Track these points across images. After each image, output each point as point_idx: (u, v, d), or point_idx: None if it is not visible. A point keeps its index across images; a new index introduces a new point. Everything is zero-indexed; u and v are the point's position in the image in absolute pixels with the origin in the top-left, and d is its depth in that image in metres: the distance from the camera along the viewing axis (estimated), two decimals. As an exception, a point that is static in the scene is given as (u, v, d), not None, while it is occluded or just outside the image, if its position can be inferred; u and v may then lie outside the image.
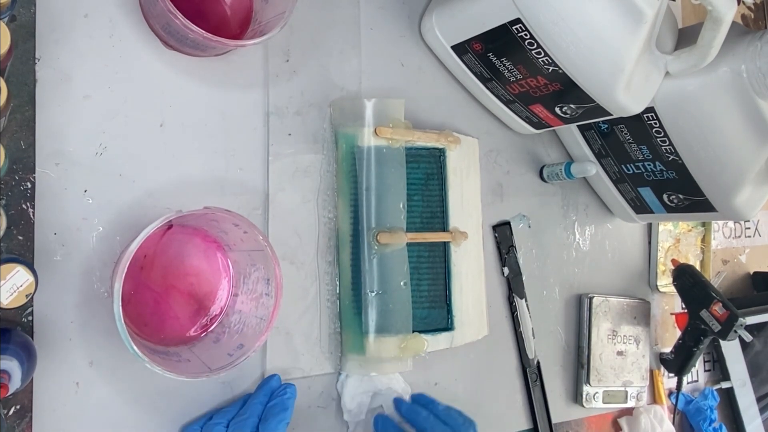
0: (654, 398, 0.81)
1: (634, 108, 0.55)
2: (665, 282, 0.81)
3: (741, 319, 0.71)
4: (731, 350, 0.86)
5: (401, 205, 0.58)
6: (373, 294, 0.56)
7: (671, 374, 0.80)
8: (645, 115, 0.60)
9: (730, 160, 0.60)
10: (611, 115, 0.57)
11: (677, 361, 0.78)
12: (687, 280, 0.75)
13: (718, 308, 0.72)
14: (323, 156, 0.59)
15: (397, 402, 0.57)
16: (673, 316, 0.81)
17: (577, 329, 0.75)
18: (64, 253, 0.47)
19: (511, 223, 0.70)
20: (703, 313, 0.73)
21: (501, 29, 0.54)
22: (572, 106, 0.59)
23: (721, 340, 0.77)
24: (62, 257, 0.47)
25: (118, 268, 0.42)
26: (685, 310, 0.77)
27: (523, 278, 0.70)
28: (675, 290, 0.78)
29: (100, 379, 0.48)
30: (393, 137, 0.58)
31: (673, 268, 0.78)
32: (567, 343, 0.74)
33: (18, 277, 0.39)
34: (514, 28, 0.53)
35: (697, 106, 0.57)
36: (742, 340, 0.73)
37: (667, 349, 0.80)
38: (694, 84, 0.56)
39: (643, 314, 0.79)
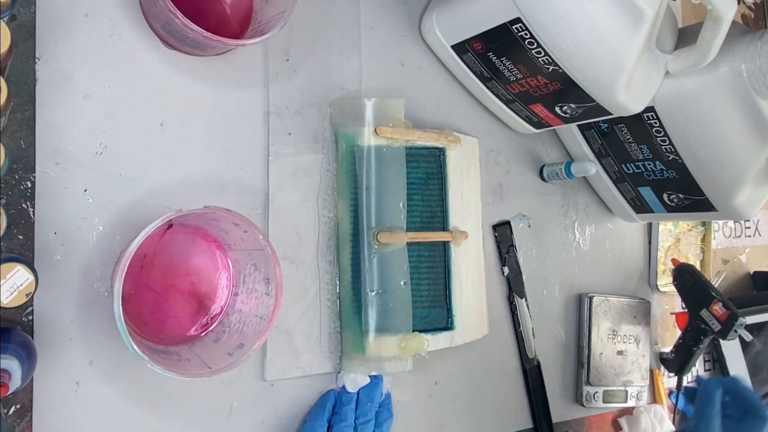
0: (654, 398, 0.81)
1: (634, 107, 0.55)
2: (665, 281, 0.81)
3: (741, 319, 0.71)
4: (731, 350, 0.86)
5: (401, 205, 0.58)
6: (373, 293, 0.56)
7: (671, 374, 0.80)
8: (645, 115, 0.60)
9: (730, 160, 0.60)
10: (611, 114, 0.57)
11: (677, 361, 0.77)
12: (687, 279, 0.75)
13: (718, 308, 0.72)
14: (323, 155, 0.59)
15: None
16: (673, 316, 0.81)
17: (577, 329, 0.75)
18: (64, 253, 0.47)
19: (511, 223, 0.70)
20: (703, 313, 0.73)
21: (501, 29, 0.54)
22: (572, 105, 0.59)
23: (721, 340, 0.76)
24: (62, 256, 0.47)
25: (118, 268, 0.42)
26: (685, 310, 0.77)
27: (523, 278, 0.70)
28: (675, 290, 0.78)
29: (100, 379, 0.48)
30: (393, 137, 0.58)
31: (673, 267, 0.77)
32: (567, 342, 0.74)
33: (18, 277, 0.39)
34: (514, 27, 0.53)
35: (697, 105, 0.57)
36: (742, 340, 0.73)
37: (668, 349, 0.80)
38: (694, 83, 0.56)
39: (643, 314, 0.79)
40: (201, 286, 0.52)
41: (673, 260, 0.78)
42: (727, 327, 0.72)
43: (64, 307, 0.47)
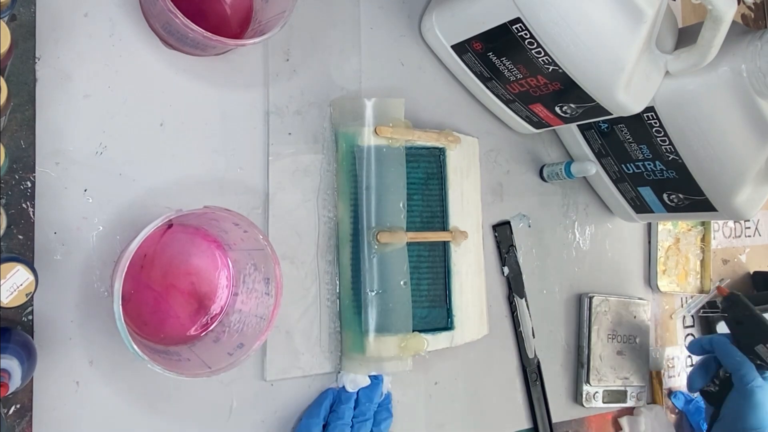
0: (653, 398, 0.81)
1: (634, 107, 0.55)
2: (665, 282, 0.81)
3: None
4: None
5: (401, 205, 0.58)
6: (373, 293, 0.56)
7: (712, 405, 0.69)
8: (645, 115, 0.60)
9: (730, 160, 0.60)
10: (611, 114, 0.57)
11: (721, 395, 0.68)
12: (740, 312, 0.68)
13: None
14: (323, 155, 0.59)
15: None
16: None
17: (577, 329, 0.75)
18: (64, 253, 0.47)
19: (511, 223, 0.70)
20: (759, 348, 0.66)
21: (501, 29, 0.54)
22: (572, 105, 0.59)
23: None
24: (62, 256, 0.47)
25: (118, 268, 0.42)
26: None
27: (523, 278, 0.70)
28: (670, 290, 0.75)
29: (100, 379, 0.48)
30: (393, 136, 0.58)
31: (721, 297, 0.70)
32: (567, 342, 0.74)
33: (18, 276, 0.39)
34: (514, 27, 0.53)
35: (697, 105, 0.57)
36: None
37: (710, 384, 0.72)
38: (694, 83, 0.56)
39: (643, 314, 0.79)
40: (201, 286, 0.52)
41: (720, 288, 0.72)
42: None
43: (64, 307, 0.47)
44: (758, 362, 0.67)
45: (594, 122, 0.65)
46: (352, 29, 0.61)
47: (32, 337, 0.45)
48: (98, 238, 0.48)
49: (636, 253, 0.81)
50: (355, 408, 0.56)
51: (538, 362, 0.70)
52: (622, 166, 0.69)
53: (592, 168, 0.67)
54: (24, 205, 0.46)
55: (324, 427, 0.54)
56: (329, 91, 0.59)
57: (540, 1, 0.50)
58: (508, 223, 0.70)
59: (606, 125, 0.66)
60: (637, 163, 0.67)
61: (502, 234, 0.69)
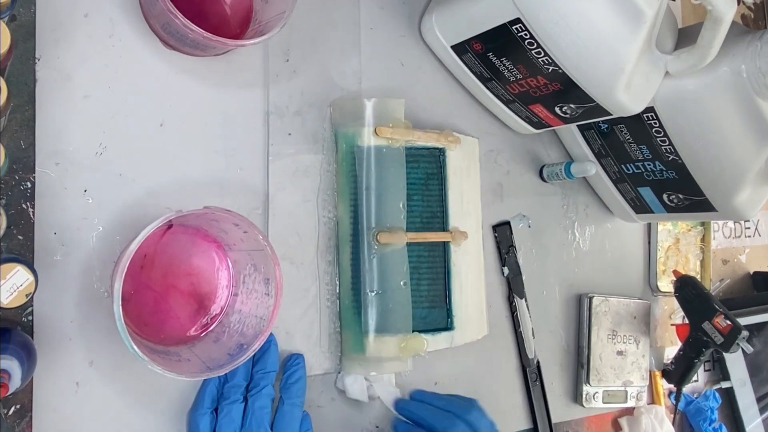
0: (653, 398, 0.81)
1: (634, 108, 0.55)
2: (665, 282, 0.81)
3: (744, 332, 0.70)
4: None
5: (401, 205, 0.58)
6: (373, 294, 0.56)
7: (671, 384, 0.80)
8: (645, 115, 0.60)
9: (730, 160, 0.60)
10: (611, 114, 0.57)
11: (677, 372, 0.77)
12: (689, 291, 0.74)
13: (720, 320, 0.71)
14: (323, 156, 0.59)
15: (399, 403, 0.58)
16: (674, 326, 0.80)
17: (577, 329, 0.75)
18: (64, 253, 0.47)
19: (511, 223, 0.70)
20: (706, 325, 0.72)
21: (501, 29, 0.54)
22: (572, 105, 0.59)
23: (723, 352, 0.76)
24: (62, 257, 0.47)
25: (118, 268, 0.42)
26: (685, 321, 0.77)
27: (523, 278, 0.70)
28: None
29: (100, 379, 0.48)
30: (393, 137, 0.58)
31: (674, 279, 0.76)
32: (567, 343, 0.74)
33: (18, 277, 0.39)
34: (514, 27, 0.53)
35: (697, 106, 0.57)
36: (743, 351, 0.72)
37: (668, 360, 0.79)
38: (694, 84, 0.56)
39: (643, 314, 0.79)
40: (201, 287, 0.52)
41: (675, 272, 0.77)
42: (729, 340, 0.71)
43: (64, 307, 0.47)
44: (704, 338, 0.73)
45: (594, 122, 0.65)
46: (352, 29, 0.61)
47: (32, 338, 0.45)
48: (98, 239, 0.48)
49: (636, 254, 0.81)
50: (250, 383, 0.51)
51: (538, 362, 0.70)
52: (622, 166, 0.69)
53: (592, 168, 0.67)
54: (24, 206, 0.46)
55: (216, 414, 0.50)
56: (329, 91, 0.59)
57: (540, 2, 0.50)
58: (508, 223, 0.70)
59: (606, 125, 0.66)
60: (637, 164, 0.67)
61: (502, 234, 0.69)
